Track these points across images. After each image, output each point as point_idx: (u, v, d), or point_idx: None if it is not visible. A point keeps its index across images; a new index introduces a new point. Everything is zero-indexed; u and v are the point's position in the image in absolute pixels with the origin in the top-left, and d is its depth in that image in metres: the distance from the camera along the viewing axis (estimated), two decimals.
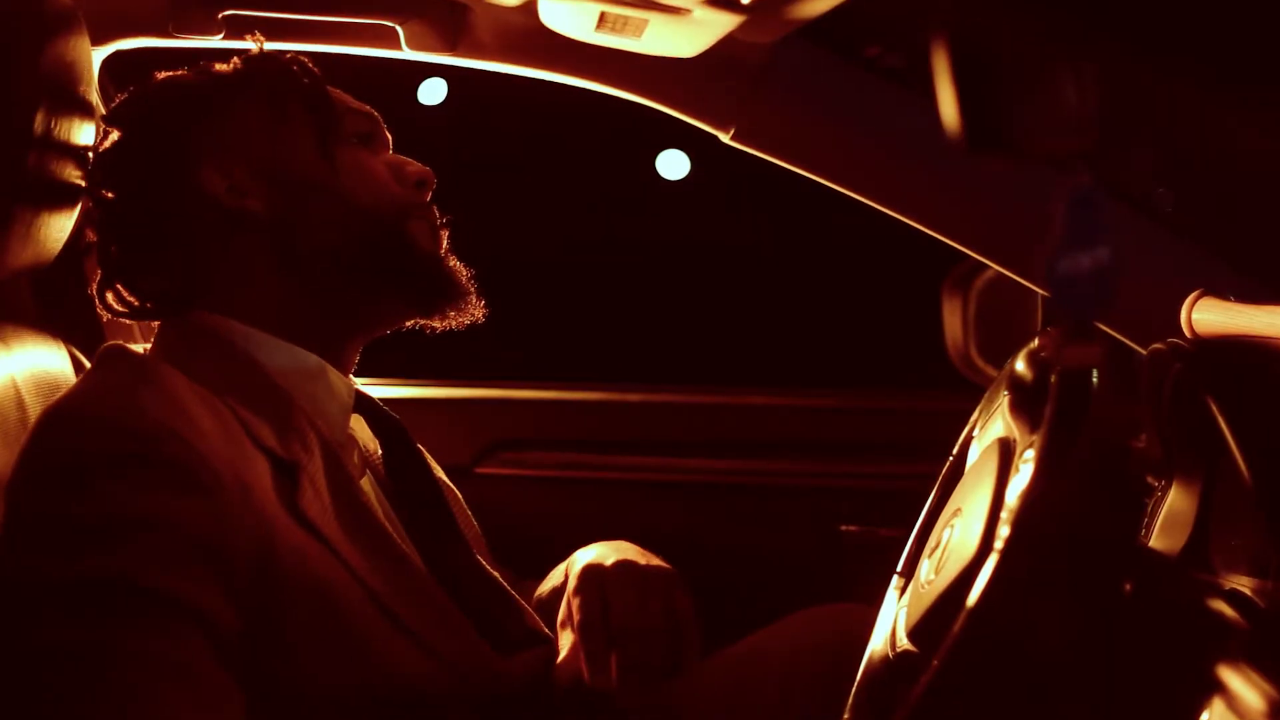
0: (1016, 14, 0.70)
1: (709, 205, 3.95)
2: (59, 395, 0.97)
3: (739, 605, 1.37)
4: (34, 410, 1.12)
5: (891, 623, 1.03)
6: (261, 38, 1.20)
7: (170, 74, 1.15)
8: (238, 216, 1.08)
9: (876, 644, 1.06)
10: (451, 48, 1.35)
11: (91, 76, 1.17)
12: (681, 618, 1.05)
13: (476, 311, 1.16)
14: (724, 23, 1.18)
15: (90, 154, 1.14)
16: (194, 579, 0.85)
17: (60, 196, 1.14)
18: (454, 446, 1.74)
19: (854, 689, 1.05)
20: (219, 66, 1.15)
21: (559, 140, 3.67)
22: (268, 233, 1.08)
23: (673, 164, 4.05)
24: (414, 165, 1.17)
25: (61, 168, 1.12)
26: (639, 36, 1.22)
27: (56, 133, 1.10)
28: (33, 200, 1.09)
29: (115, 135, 1.12)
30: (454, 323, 1.16)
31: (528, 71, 1.37)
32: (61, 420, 0.92)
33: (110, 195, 1.11)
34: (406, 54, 1.36)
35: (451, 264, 1.16)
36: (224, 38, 1.36)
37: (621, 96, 1.36)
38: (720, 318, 3.71)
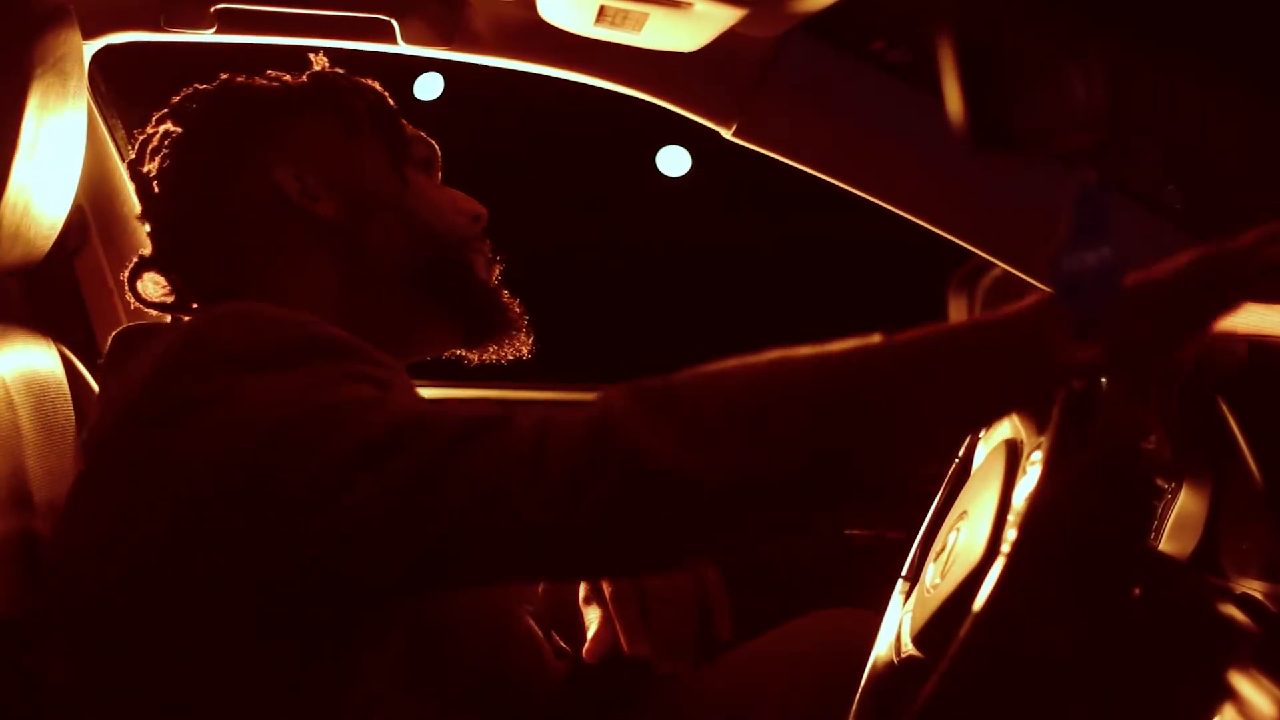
0: (1023, 8, 0.70)
1: (711, 203, 3.95)
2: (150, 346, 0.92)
3: (743, 609, 1.37)
4: (24, 411, 1.12)
5: (897, 628, 1.03)
6: (324, 58, 1.20)
7: (235, 76, 1.15)
8: (307, 218, 1.08)
9: (881, 649, 1.06)
10: (448, 42, 1.35)
11: (82, 71, 1.17)
12: (710, 586, 1.08)
13: (524, 348, 1.18)
14: (725, 17, 1.18)
15: (142, 143, 1.14)
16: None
17: (50, 194, 1.14)
18: None
19: (859, 695, 1.05)
20: (286, 76, 1.15)
21: (558, 137, 3.67)
22: (336, 239, 1.08)
23: (674, 161, 4.05)
24: (469, 200, 1.19)
25: (51, 164, 1.12)
26: (639, 31, 1.22)
27: (46, 128, 1.10)
28: (22, 198, 1.09)
29: (173, 128, 1.12)
30: (498, 356, 1.17)
31: (526, 66, 1.37)
32: (232, 316, 0.89)
33: (164, 185, 1.11)
34: (402, 48, 1.36)
35: (505, 298, 1.17)
36: (216, 32, 1.36)
37: (621, 92, 1.36)
38: (722, 317, 3.71)
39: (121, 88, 1.60)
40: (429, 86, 3.76)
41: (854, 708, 1.04)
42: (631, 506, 0.72)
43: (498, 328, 1.16)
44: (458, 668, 0.97)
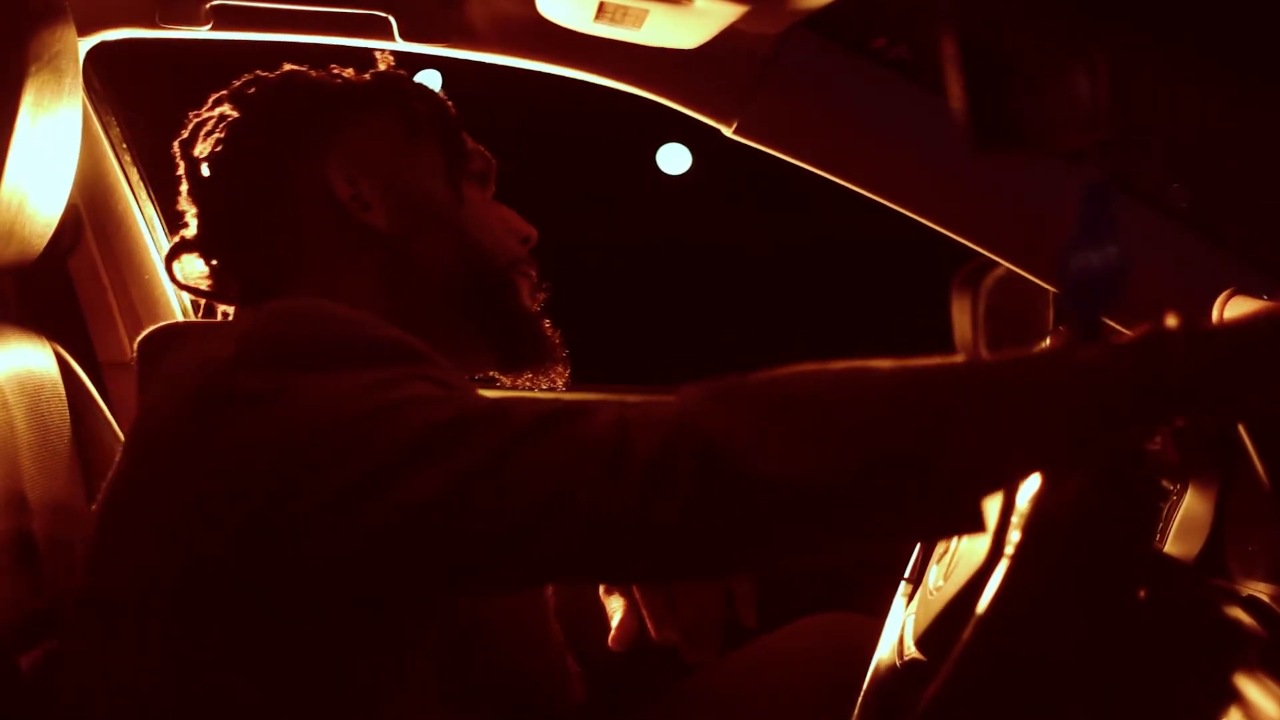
0: (1026, 5, 0.70)
1: (711, 201, 3.95)
2: (187, 351, 0.92)
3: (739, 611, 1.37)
4: (19, 411, 1.12)
5: (899, 630, 1.03)
6: (390, 56, 1.20)
7: (299, 68, 1.15)
8: (356, 224, 1.07)
9: (884, 652, 1.06)
10: (446, 39, 1.35)
11: (77, 68, 1.17)
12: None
13: (559, 380, 1.16)
14: (726, 13, 1.18)
15: (196, 125, 1.13)
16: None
17: (44, 192, 1.14)
18: None
19: (860, 698, 1.05)
20: (349, 73, 1.15)
21: (557, 134, 3.67)
22: (383, 248, 1.07)
23: (674, 159, 4.05)
24: (521, 220, 1.18)
25: (46, 162, 1.12)
26: (639, 27, 1.22)
27: (41, 126, 1.10)
28: (16, 196, 1.09)
29: (230, 111, 1.11)
30: (532, 384, 1.16)
31: (524, 63, 1.37)
32: (299, 315, 0.89)
33: (215, 169, 1.10)
34: (400, 45, 1.36)
35: (546, 327, 1.16)
36: (212, 28, 1.36)
37: (621, 89, 1.36)
38: (722, 316, 3.71)
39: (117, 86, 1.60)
40: (426, 84, 3.77)
41: (856, 711, 1.04)
42: (710, 507, 0.71)
43: (535, 357, 1.14)
44: (492, 677, 0.97)
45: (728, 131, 1.35)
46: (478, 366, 1.16)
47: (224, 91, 1.12)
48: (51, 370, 1.21)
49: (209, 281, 1.10)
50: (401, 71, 1.17)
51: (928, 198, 1.32)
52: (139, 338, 1.02)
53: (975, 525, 0.72)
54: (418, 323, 1.04)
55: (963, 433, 0.71)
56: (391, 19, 1.33)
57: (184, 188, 1.12)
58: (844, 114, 1.31)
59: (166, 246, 1.65)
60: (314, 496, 0.77)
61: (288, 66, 1.15)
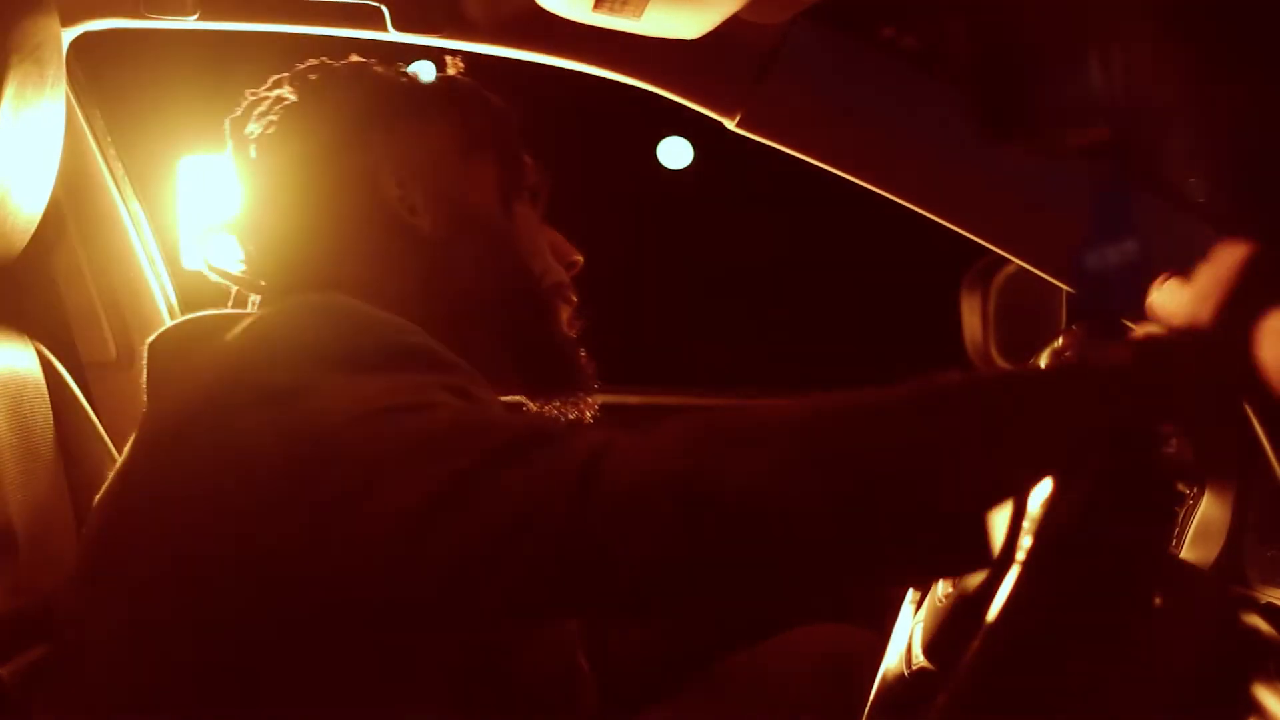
0: None
1: (713, 196, 3.95)
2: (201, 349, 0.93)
3: (735, 621, 1.38)
4: (0, 411, 1.12)
5: (907, 638, 1.03)
6: (460, 62, 1.20)
7: (366, 60, 1.15)
8: (400, 226, 1.07)
9: (891, 661, 1.06)
10: (439, 29, 1.35)
11: (60, 60, 1.17)
12: None
13: (587, 411, 1.15)
14: (729, 2, 1.17)
15: (250, 100, 1.12)
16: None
17: (26, 188, 1.14)
18: None
19: (867, 709, 1.05)
20: (414, 72, 1.15)
21: (553, 127, 3.67)
22: (425, 253, 1.07)
23: (675, 152, 4.05)
24: (569, 246, 1.18)
25: (27, 157, 1.12)
26: (639, 17, 1.22)
27: (23, 119, 1.10)
28: None
29: (288, 95, 1.11)
30: (559, 411, 1.15)
31: (521, 54, 1.36)
32: (318, 312, 0.90)
33: (263, 150, 1.09)
34: (392, 35, 1.36)
35: (581, 355, 1.16)
36: (199, 18, 1.35)
37: (620, 81, 1.36)
38: (724, 316, 3.71)
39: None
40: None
41: None
42: (691, 541, 0.70)
43: (564, 385, 1.14)
44: (504, 683, 0.96)
45: (731, 124, 1.35)
46: (504, 387, 1.13)
47: (283, 74, 1.12)
48: (34, 370, 1.21)
49: (243, 267, 1.09)
50: (468, 79, 1.18)
51: (938, 192, 1.32)
52: (152, 337, 1.01)
53: (977, 555, 0.72)
54: (451, 333, 1.03)
55: (939, 456, 0.71)
56: (384, 8, 1.33)
57: (232, 166, 1.12)
58: (851, 106, 1.31)
59: (152, 243, 1.66)
60: (292, 509, 0.78)
61: (354, 58, 1.15)
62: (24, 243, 1.17)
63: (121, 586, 0.86)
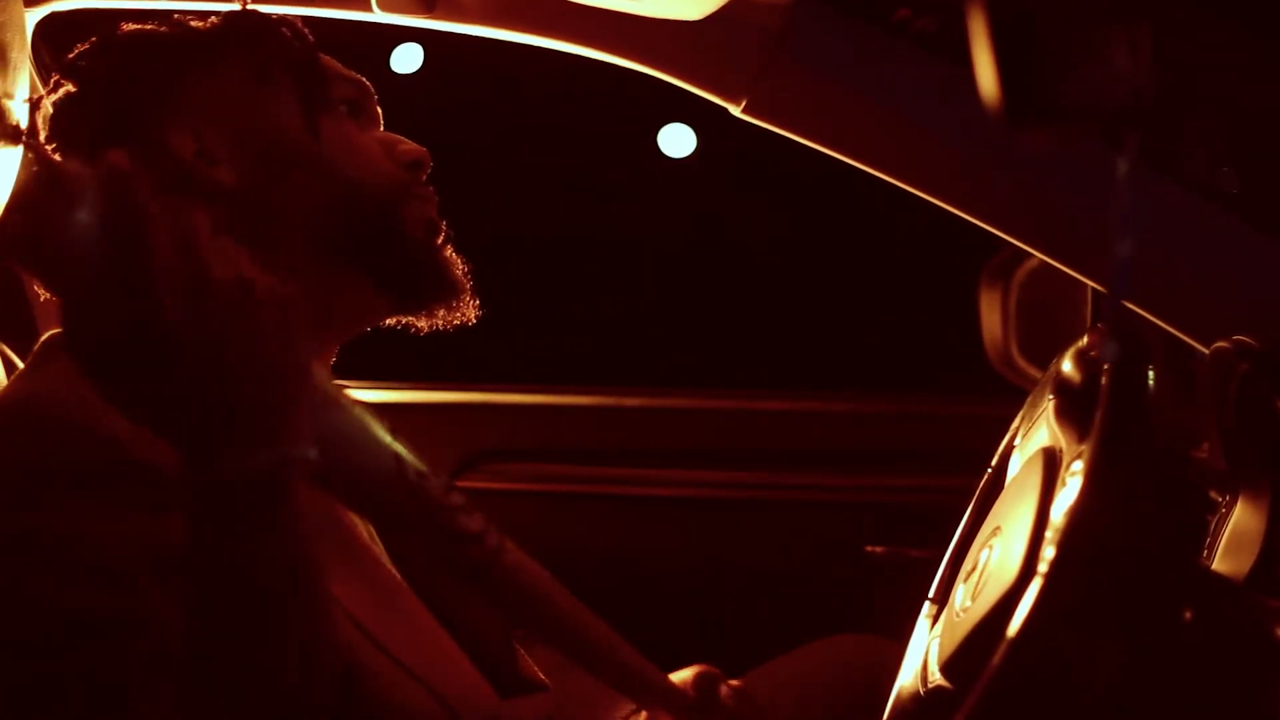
0: None
1: (717, 186, 3.95)
2: None
3: (749, 634, 1.38)
4: None
5: (923, 655, 1.03)
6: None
7: (138, 26, 1.14)
8: (204, 187, 1.06)
9: (906, 678, 1.06)
10: (428, 9, 1.35)
11: (25, 41, 1.17)
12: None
13: (469, 312, 1.16)
14: None
15: (33, 105, 1.12)
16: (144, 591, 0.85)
17: None
18: (430, 457, 1.74)
19: None
20: (195, 22, 1.14)
21: (549, 114, 3.67)
22: (237, 208, 1.06)
23: (677, 140, 4.05)
24: (408, 144, 1.17)
25: None
26: None
27: None
28: None
29: (69, 88, 1.10)
30: (442, 323, 1.16)
31: (514, 36, 1.36)
32: (11, 420, 0.91)
33: (58, 153, 1.09)
34: (378, 16, 1.36)
35: (446, 255, 1.15)
36: None
37: (620, 65, 1.36)
38: (729, 312, 3.71)
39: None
40: (407, 59, 3.76)
41: None
42: None
43: (432, 292, 1.13)
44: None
45: (735, 110, 1.35)
46: (373, 316, 1.15)
47: (62, 63, 1.12)
48: None
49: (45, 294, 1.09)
50: (250, 9, 1.16)
51: (954, 182, 1.32)
52: None
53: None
54: (296, 278, 1.01)
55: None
56: None
57: None
58: (862, 91, 1.31)
59: None
60: None
61: (127, 26, 1.13)
62: None
63: None
